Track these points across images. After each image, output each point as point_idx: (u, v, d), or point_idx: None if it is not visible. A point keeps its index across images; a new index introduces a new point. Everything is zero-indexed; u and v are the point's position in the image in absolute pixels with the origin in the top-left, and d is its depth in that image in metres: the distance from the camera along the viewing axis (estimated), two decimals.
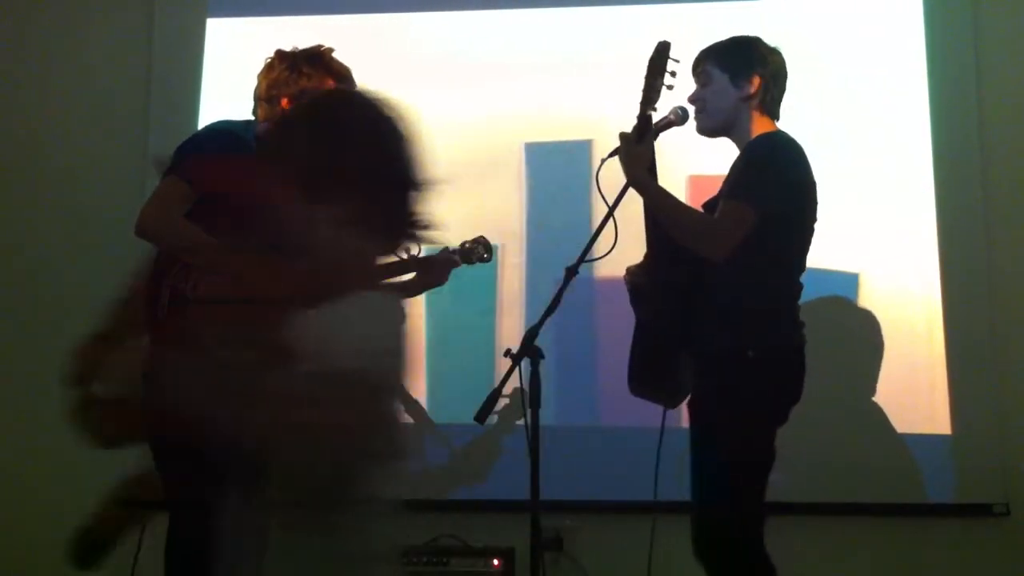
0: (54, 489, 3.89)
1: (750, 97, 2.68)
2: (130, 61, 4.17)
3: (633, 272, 2.79)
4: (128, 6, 4.22)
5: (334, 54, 2.90)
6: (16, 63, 4.23)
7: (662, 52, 2.61)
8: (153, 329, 2.57)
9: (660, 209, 2.61)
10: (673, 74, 2.62)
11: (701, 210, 2.71)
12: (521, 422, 2.63)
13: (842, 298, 3.72)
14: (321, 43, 2.91)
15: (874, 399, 3.66)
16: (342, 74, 2.89)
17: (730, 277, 2.54)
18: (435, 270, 3.04)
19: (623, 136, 2.63)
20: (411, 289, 3.11)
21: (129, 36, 4.19)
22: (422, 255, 3.00)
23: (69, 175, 4.10)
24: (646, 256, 2.75)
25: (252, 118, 2.87)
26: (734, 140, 2.73)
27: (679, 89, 2.73)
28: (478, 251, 3.21)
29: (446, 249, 3.10)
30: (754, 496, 2.54)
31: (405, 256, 2.86)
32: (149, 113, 4.03)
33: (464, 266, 3.21)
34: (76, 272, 4.01)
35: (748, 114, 2.69)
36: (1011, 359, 3.66)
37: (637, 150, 2.59)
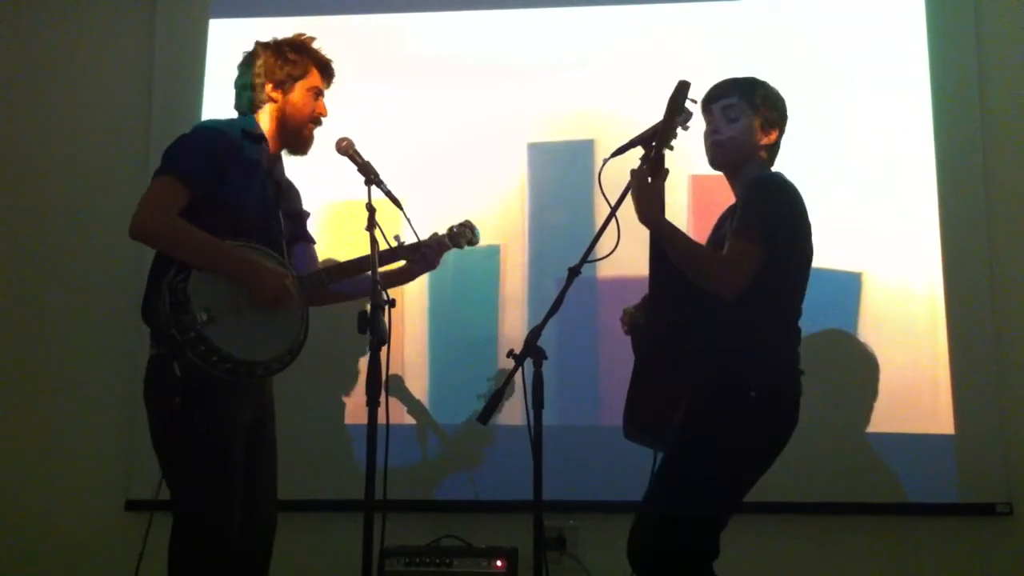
0: (53, 489, 3.91)
1: (766, 146, 2.70)
2: (132, 62, 4.18)
3: (631, 313, 2.78)
4: (130, 8, 4.23)
5: (317, 43, 2.91)
6: (18, 65, 4.24)
7: (683, 91, 2.57)
8: (161, 332, 2.57)
9: (671, 247, 2.58)
10: (690, 115, 2.60)
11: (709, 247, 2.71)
12: (521, 421, 2.63)
13: (843, 301, 3.72)
14: (302, 32, 2.92)
15: (877, 399, 3.66)
16: (324, 62, 2.91)
17: (733, 315, 2.54)
18: (427, 255, 3.05)
19: (635, 173, 2.60)
20: (405, 276, 3.10)
21: (131, 37, 4.20)
22: (411, 242, 3.01)
23: (71, 176, 4.11)
24: (646, 296, 2.75)
25: (235, 116, 2.88)
26: (733, 178, 2.73)
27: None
28: (465, 234, 3.20)
29: (434, 234, 3.10)
30: (712, 525, 2.52)
31: (395, 244, 2.88)
32: (151, 114, 4.04)
33: (459, 255, 3.20)
34: (78, 272, 4.02)
35: (757, 159, 2.70)
36: (1013, 359, 3.66)
37: (650, 189, 2.58)
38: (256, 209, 2.75)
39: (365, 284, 3.02)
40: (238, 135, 2.75)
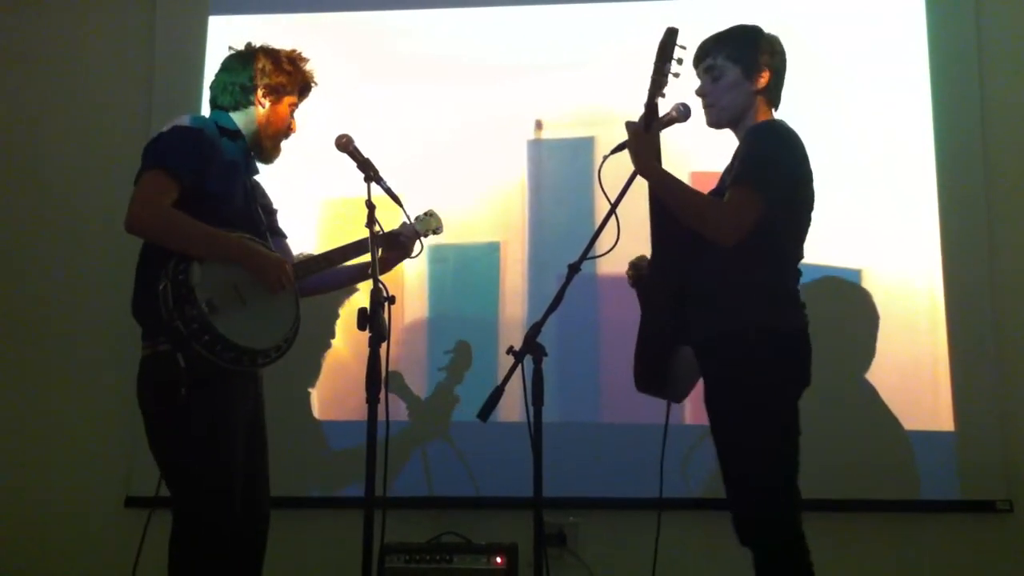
0: (53, 485, 3.91)
1: (761, 90, 2.68)
2: (132, 59, 4.17)
3: (636, 266, 2.79)
4: (130, 4, 4.22)
5: (309, 65, 2.92)
6: (18, 62, 4.23)
7: (671, 37, 2.58)
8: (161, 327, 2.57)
9: (671, 196, 2.58)
10: (680, 61, 2.60)
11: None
12: (521, 418, 2.62)
13: (843, 293, 3.72)
14: (298, 50, 2.93)
15: (877, 396, 3.66)
16: (308, 84, 2.92)
17: (730, 263, 2.54)
18: (404, 244, 3.06)
19: (630, 125, 2.61)
20: (384, 266, 3.08)
21: (131, 34, 4.19)
22: (386, 231, 3.00)
23: (72, 173, 4.10)
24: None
25: (206, 115, 2.88)
26: (737, 129, 2.72)
27: (682, 82, 2.71)
28: (431, 223, 3.23)
29: (404, 223, 3.10)
30: (786, 475, 2.52)
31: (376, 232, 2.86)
32: (151, 111, 4.02)
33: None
34: (78, 268, 4.01)
35: (756, 106, 2.68)
36: (1014, 356, 3.66)
37: (646, 139, 2.58)
38: (240, 202, 2.76)
39: (337, 279, 3.04)
40: (214, 131, 2.75)
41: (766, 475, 2.50)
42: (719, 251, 2.54)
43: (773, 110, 2.73)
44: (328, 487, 3.77)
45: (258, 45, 2.89)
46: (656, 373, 2.70)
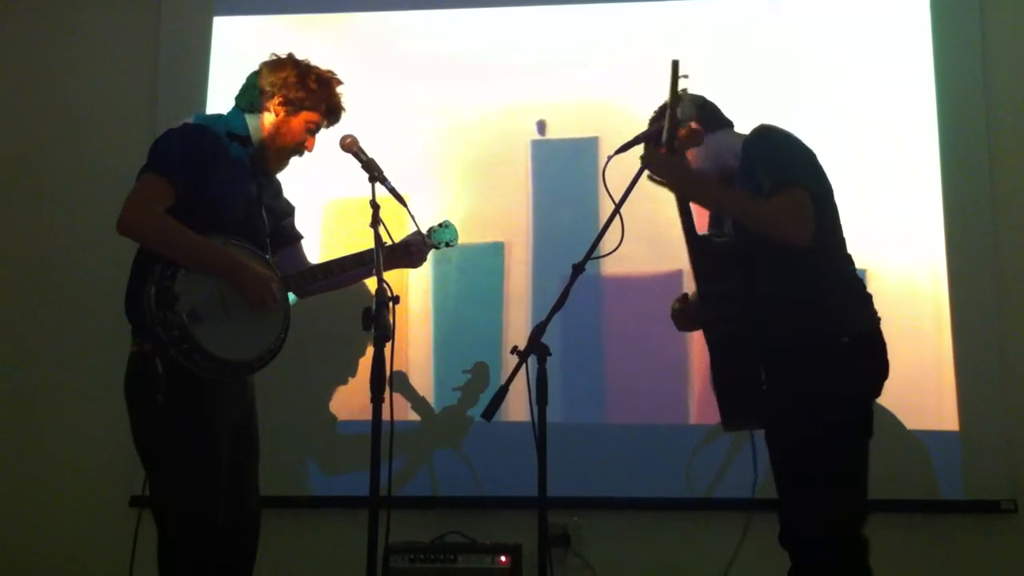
0: (58, 485, 3.91)
1: (702, 132, 2.73)
2: (137, 59, 4.18)
3: (686, 305, 2.77)
4: (135, 5, 4.23)
5: (340, 88, 2.89)
6: (23, 62, 4.24)
7: (675, 71, 2.57)
8: (146, 328, 2.57)
9: (736, 209, 2.60)
10: (685, 90, 2.61)
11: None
12: (525, 418, 2.62)
13: None
14: (335, 73, 2.90)
15: (883, 396, 3.65)
16: (336, 108, 2.89)
17: (792, 271, 2.54)
18: (413, 254, 3.06)
19: (660, 155, 2.60)
20: (387, 265, 3.06)
21: (136, 35, 4.20)
22: (396, 241, 3.00)
23: (76, 174, 4.10)
24: (693, 294, 2.73)
25: (222, 112, 2.87)
26: (732, 159, 2.72)
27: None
28: (445, 235, 3.23)
29: (417, 232, 3.08)
30: (859, 488, 2.53)
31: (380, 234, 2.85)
32: (156, 111, 4.03)
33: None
34: (82, 271, 4.02)
35: (719, 141, 2.72)
36: (1018, 356, 3.66)
37: (682, 164, 2.60)
38: (241, 207, 2.75)
39: (346, 278, 3.03)
40: (224, 134, 2.75)
41: (845, 477, 2.50)
42: (775, 263, 2.54)
43: (719, 127, 2.77)
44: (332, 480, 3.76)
45: (298, 57, 2.87)
46: (745, 402, 2.64)
